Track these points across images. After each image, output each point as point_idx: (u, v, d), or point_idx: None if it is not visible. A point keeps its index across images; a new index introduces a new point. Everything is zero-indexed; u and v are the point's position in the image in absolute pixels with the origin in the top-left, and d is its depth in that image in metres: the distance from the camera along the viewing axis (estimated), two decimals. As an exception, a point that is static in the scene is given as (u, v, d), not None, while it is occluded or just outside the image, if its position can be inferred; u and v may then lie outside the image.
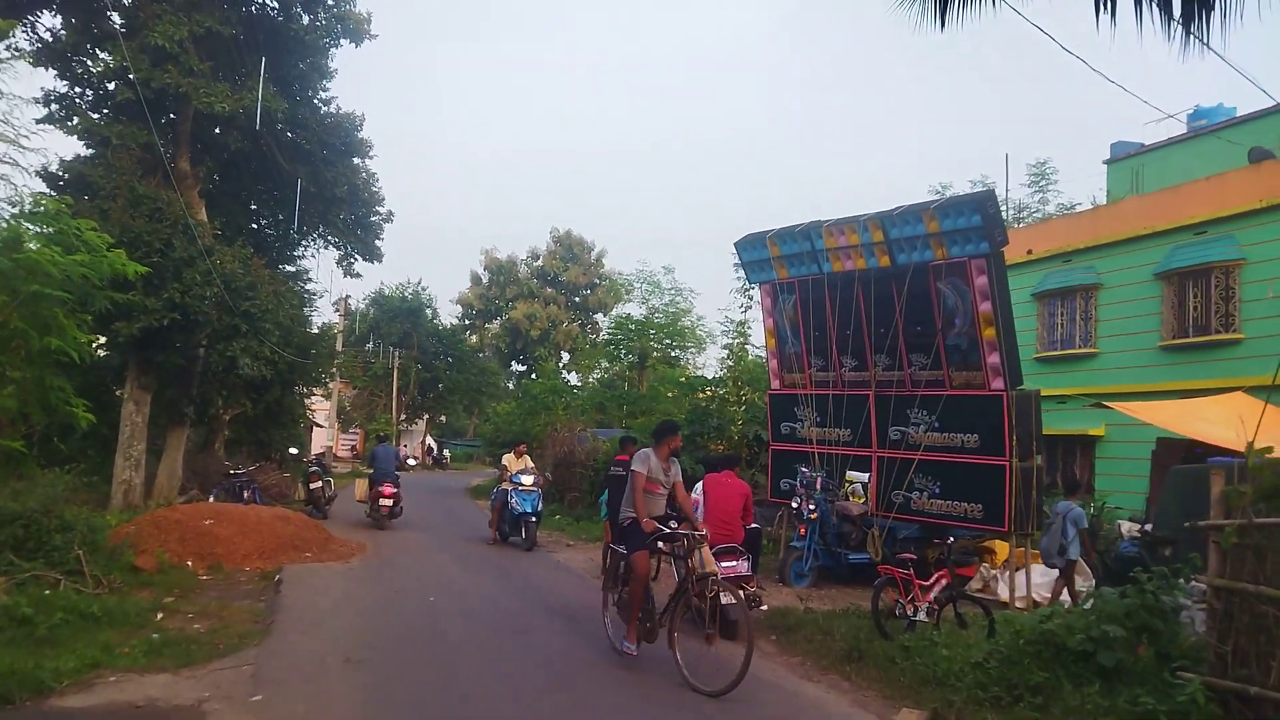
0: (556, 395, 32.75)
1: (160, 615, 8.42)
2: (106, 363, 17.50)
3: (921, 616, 8.01)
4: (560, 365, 55.14)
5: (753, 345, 24.19)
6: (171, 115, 19.37)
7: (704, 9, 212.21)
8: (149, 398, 16.84)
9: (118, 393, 17.61)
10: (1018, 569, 10.91)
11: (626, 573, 7.35)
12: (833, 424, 12.71)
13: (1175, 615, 6.04)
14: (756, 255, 13.61)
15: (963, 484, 11.12)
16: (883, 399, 12.16)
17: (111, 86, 18.63)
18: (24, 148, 11.65)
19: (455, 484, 33.62)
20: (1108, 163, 23.68)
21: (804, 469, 12.62)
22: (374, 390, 49.83)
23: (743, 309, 30.49)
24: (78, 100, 19.56)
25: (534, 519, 15.09)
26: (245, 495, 16.54)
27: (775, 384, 14.11)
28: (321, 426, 39.95)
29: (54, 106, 19.28)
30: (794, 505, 12.19)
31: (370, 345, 49.43)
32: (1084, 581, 10.88)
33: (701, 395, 22.59)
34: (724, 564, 7.85)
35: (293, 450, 24.68)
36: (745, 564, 8.70)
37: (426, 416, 55.37)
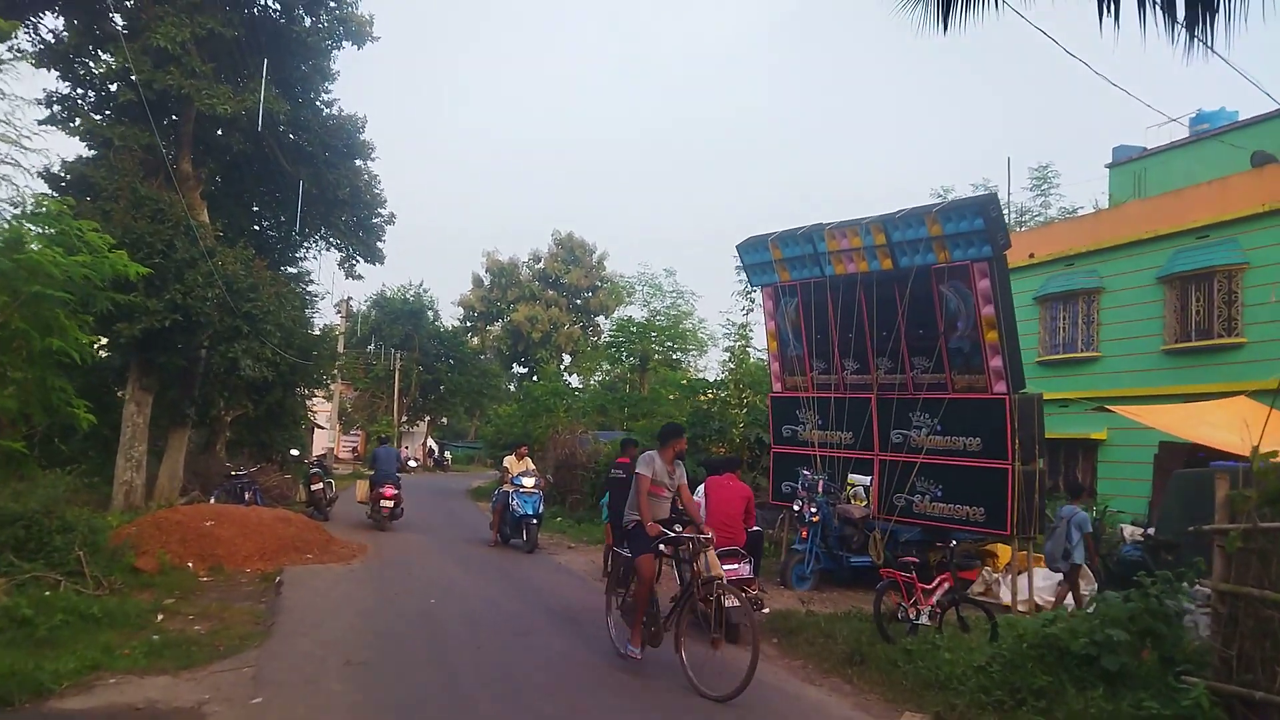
0: (558, 397, 32.73)
1: (161, 617, 8.40)
2: (108, 364, 17.50)
3: (924, 620, 7.98)
4: (561, 367, 55.12)
5: (754, 348, 24.18)
6: (174, 117, 19.38)
7: (705, 9, 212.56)
8: (150, 399, 16.84)
9: (119, 394, 17.63)
10: (1020, 572, 10.89)
11: (627, 575, 7.32)
12: (834, 427, 12.69)
13: (1179, 619, 6.02)
14: (758, 258, 13.60)
15: (965, 487, 11.11)
16: (885, 402, 12.14)
17: (114, 88, 18.63)
18: (26, 149, 11.63)
19: (456, 486, 33.61)
20: (1110, 166, 23.67)
21: (806, 472, 12.60)
22: (375, 392, 49.85)
23: (744, 312, 30.45)
24: (80, 101, 19.56)
25: (535, 521, 15.08)
26: (246, 497, 16.54)
27: (777, 386, 14.10)
28: (323, 428, 39.94)
29: (56, 108, 19.28)
30: (795, 508, 12.18)
31: (372, 347, 49.47)
32: (1087, 586, 10.86)
33: (703, 398, 22.57)
34: (726, 567, 7.80)
35: (294, 452, 24.70)
36: (747, 567, 8.69)
37: (428, 418, 55.39)
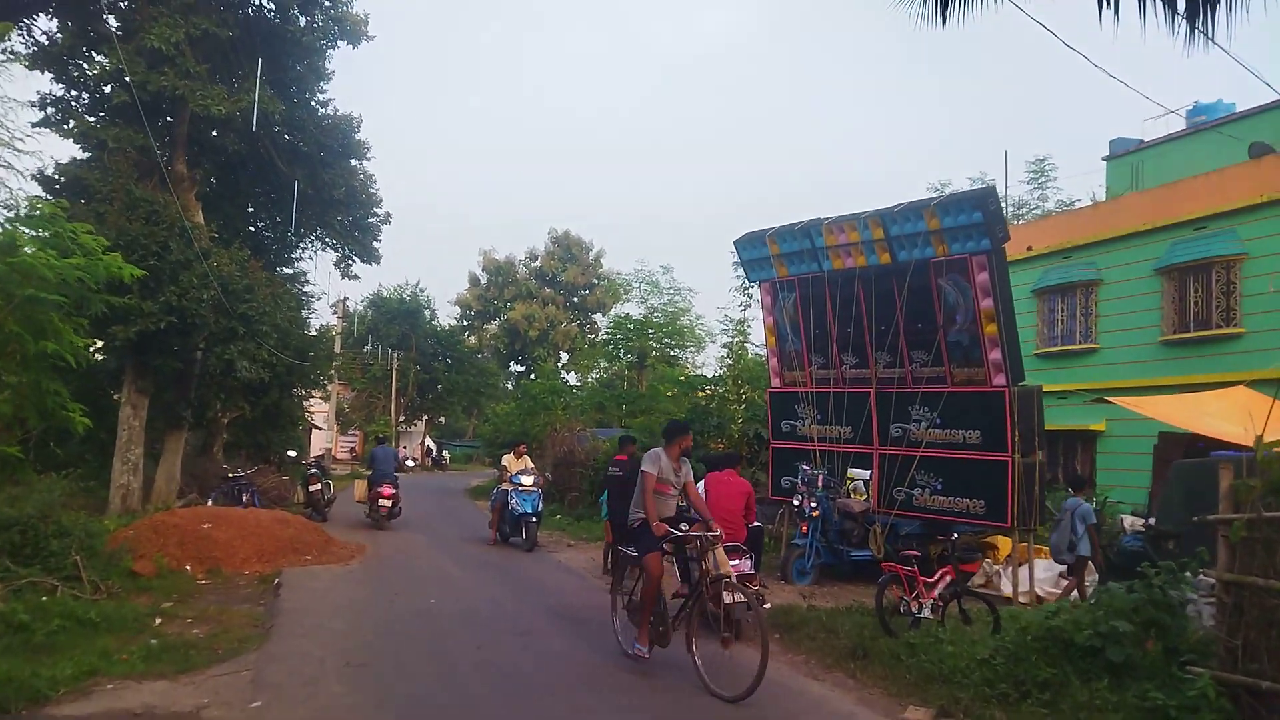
0: (556, 395, 32.71)
1: (158, 621, 8.35)
2: (103, 366, 17.43)
3: (926, 613, 7.94)
4: (559, 365, 55.09)
5: (752, 344, 24.17)
6: (168, 118, 19.28)
7: (701, 3, 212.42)
8: (146, 401, 16.78)
9: (115, 397, 17.55)
10: (1020, 564, 10.88)
11: (622, 571, 7.26)
12: (834, 421, 12.67)
13: (1182, 610, 5.99)
14: (756, 253, 13.57)
15: (965, 480, 11.10)
16: (884, 396, 12.12)
17: (108, 89, 18.54)
18: (19, 151, 11.61)
19: (455, 485, 33.57)
20: (1107, 159, 23.68)
21: (805, 467, 12.58)
22: (373, 392, 49.81)
23: (742, 307, 30.41)
24: (74, 103, 19.46)
25: (534, 519, 15.05)
26: (244, 498, 16.49)
27: (775, 382, 14.08)
28: (320, 429, 39.91)
29: (50, 110, 19.18)
30: (795, 503, 12.16)
31: (369, 347, 49.40)
32: (1088, 577, 10.85)
33: (701, 394, 22.56)
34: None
35: (291, 453, 24.64)
36: (748, 563, 8.64)
37: (425, 418, 55.36)
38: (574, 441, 23.08)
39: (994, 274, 10.74)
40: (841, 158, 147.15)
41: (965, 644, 6.94)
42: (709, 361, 43.01)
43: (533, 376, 47.57)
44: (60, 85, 19.37)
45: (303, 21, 20.67)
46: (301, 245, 26.28)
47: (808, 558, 11.69)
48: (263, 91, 18.20)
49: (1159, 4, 5.55)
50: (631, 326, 35.90)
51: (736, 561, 8.24)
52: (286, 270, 26.15)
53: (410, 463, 43.45)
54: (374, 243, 25.56)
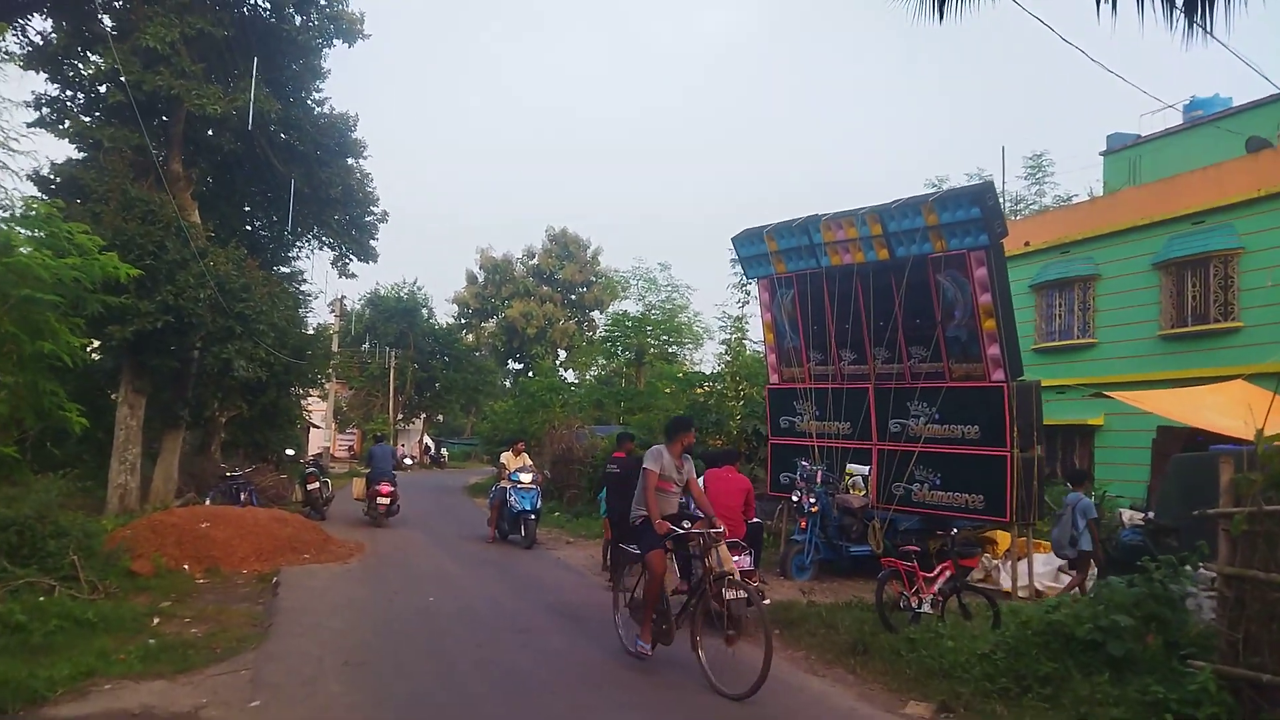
0: (554, 393, 32.69)
1: (157, 620, 8.33)
2: (100, 366, 17.40)
3: (926, 608, 7.94)
4: (557, 363, 55.12)
5: (750, 340, 24.18)
6: (164, 117, 19.23)
7: (701, 3, 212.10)
8: (143, 401, 16.74)
9: (112, 396, 17.52)
10: (1020, 559, 10.89)
11: (622, 569, 7.24)
12: (832, 417, 12.66)
13: (1183, 603, 5.99)
14: (754, 250, 13.55)
15: (964, 475, 11.10)
16: (882, 392, 12.12)
17: (103, 89, 18.47)
18: (15, 151, 11.55)
19: (453, 483, 33.57)
20: (1104, 154, 23.67)
21: (804, 463, 12.57)
22: (371, 390, 49.80)
23: (740, 304, 30.44)
24: (69, 103, 19.41)
25: (533, 516, 15.05)
26: (242, 497, 16.46)
27: (774, 378, 14.07)
28: (318, 427, 39.88)
29: (45, 110, 19.13)
30: (794, 499, 12.16)
31: (366, 345, 49.36)
32: (1090, 572, 10.85)
33: (699, 391, 22.54)
34: (728, 559, 7.77)
35: (289, 451, 24.64)
36: (747, 559, 8.63)
37: (424, 416, 55.32)
38: (572, 439, 23.09)
39: (992, 269, 10.73)
40: (841, 158, 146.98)
41: (965, 639, 6.93)
42: (707, 358, 43.12)
43: (531, 374, 47.59)
44: (55, 85, 19.32)
45: (298, 20, 20.62)
46: (298, 244, 26.28)
47: (807, 553, 11.69)
48: (258, 90, 18.15)
49: (1157, -2, 5.53)
50: (629, 323, 35.89)
51: (736, 558, 8.24)
52: (283, 269, 26.15)
53: (408, 461, 43.45)
54: (371, 241, 25.57)
